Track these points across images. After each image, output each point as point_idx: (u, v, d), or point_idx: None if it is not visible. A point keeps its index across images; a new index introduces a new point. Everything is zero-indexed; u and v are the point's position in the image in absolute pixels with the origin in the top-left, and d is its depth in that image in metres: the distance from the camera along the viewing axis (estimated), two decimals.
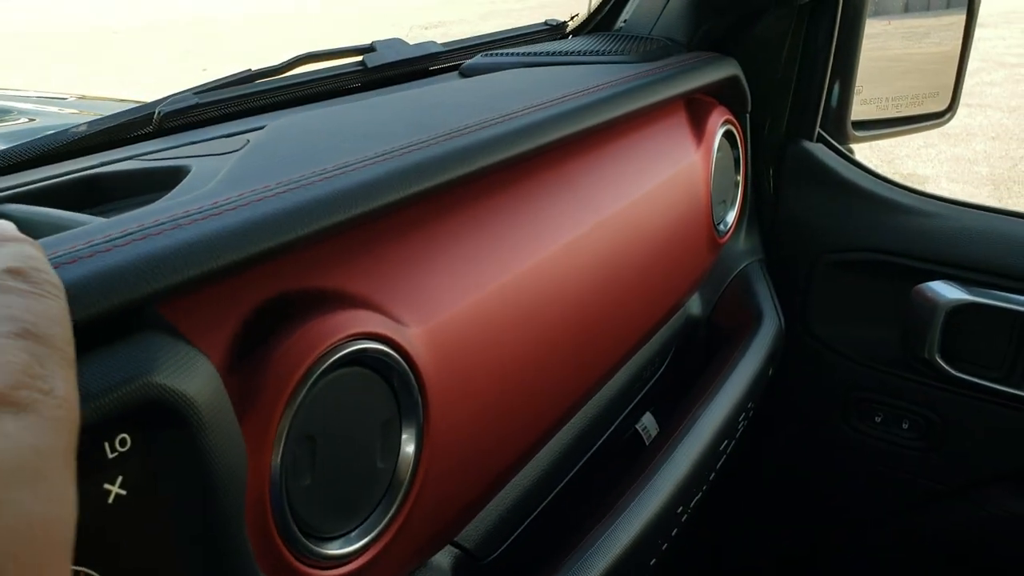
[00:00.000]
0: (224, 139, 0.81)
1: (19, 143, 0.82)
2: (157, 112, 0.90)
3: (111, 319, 0.42)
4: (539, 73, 1.06)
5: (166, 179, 0.67)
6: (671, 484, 0.94)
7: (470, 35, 1.31)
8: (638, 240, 0.95)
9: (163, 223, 0.49)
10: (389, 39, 1.16)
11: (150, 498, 0.44)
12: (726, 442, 1.09)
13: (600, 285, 0.87)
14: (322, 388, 0.54)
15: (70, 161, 0.80)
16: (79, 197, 0.70)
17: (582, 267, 0.84)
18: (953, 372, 1.24)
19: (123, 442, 0.42)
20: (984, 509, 1.30)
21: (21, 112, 1.85)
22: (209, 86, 0.98)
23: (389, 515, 0.60)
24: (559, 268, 0.80)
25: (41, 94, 2.27)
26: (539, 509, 0.93)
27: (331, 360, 0.54)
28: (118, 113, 0.89)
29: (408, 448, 0.61)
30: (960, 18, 1.42)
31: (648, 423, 1.17)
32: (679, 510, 0.96)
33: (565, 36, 1.38)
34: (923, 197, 1.29)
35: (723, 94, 1.22)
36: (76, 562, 0.41)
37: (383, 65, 1.12)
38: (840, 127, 1.37)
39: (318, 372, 0.53)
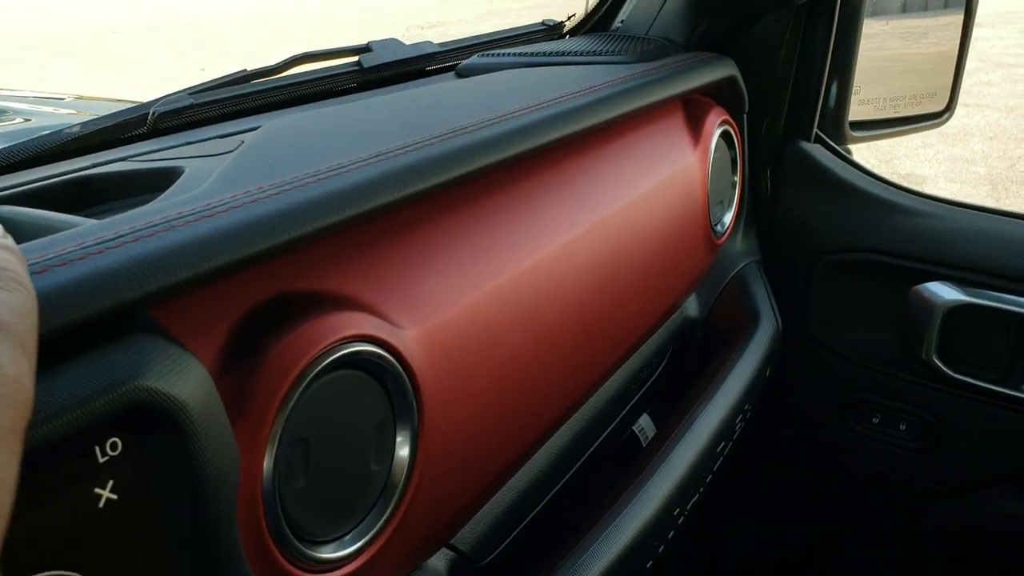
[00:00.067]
0: (219, 140, 0.80)
1: (12, 144, 0.81)
2: (152, 112, 0.90)
3: (102, 322, 0.42)
4: (536, 73, 1.06)
5: (159, 180, 0.67)
6: (668, 486, 0.93)
7: (468, 35, 1.30)
8: (635, 241, 0.95)
9: (155, 225, 0.48)
10: (385, 39, 1.16)
11: (141, 502, 0.44)
12: (723, 443, 1.09)
13: (597, 286, 0.87)
14: (315, 391, 0.54)
15: (63, 162, 0.80)
16: (72, 198, 0.69)
17: (579, 268, 0.84)
18: (950, 373, 1.24)
19: (114, 446, 0.42)
20: (981, 510, 1.30)
21: (17, 112, 1.84)
22: (204, 86, 0.97)
23: (383, 518, 0.60)
24: (556, 269, 0.80)
25: (38, 94, 2.26)
26: (535, 511, 0.93)
27: (325, 363, 0.54)
28: (112, 114, 0.89)
29: (403, 451, 0.61)
30: (958, 18, 1.41)
31: (645, 424, 1.16)
32: (676, 512, 0.96)
33: (562, 36, 1.38)
34: (921, 198, 1.29)
35: (720, 94, 1.21)
36: (66, 567, 0.41)
37: (379, 65, 1.11)
38: (838, 127, 1.36)
39: (311, 375, 0.53)
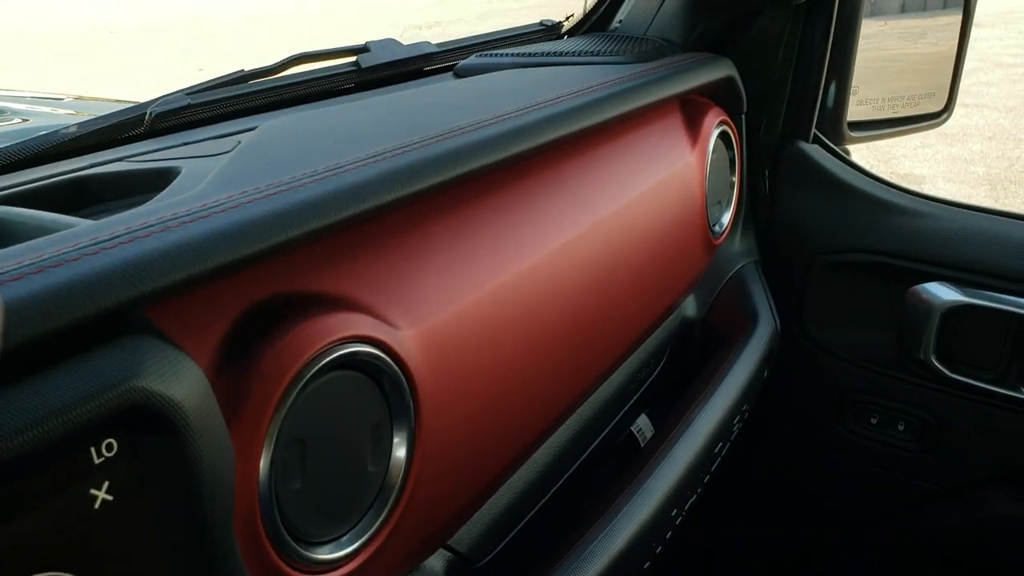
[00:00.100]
0: (216, 140, 0.80)
1: (9, 144, 0.81)
2: (149, 113, 0.90)
3: (97, 323, 0.42)
4: (534, 74, 1.06)
5: (156, 181, 0.67)
6: (666, 486, 0.93)
7: (466, 35, 1.30)
8: (633, 241, 0.95)
9: (151, 225, 0.48)
10: (383, 39, 1.16)
11: (137, 503, 0.44)
12: (721, 444, 1.09)
13: (595, 286, 0.87)
14: (312, 392, 0.54)
15: (60, 162, 0.80)
16: (68, 199, 0.69)
17: (577, 268, 0.83)
18: (948, 373, 1.24)
19: (109, 447, 0.42)
20: (979, 510, 1.30)
21: (15, 112, 1.84)
22: (202, 86, 0.97)
23: (380, 519, 0.60)
24: (554, 269, 0.80)
25: (37, 94, 2.26)
26: (533, 512, 0.93)
27: (321, 364, 0.54)
28: (110, 114, 0.89)
29: (399, 451, 0.61)
30: (956, 18, 1.41)
31: (643, 425, 1.16)
32: (674, 513, 0.95)
33: (560, 36, 1.38)
34: (919, 198, 1.29)
35: (718, 95, 1.21)
36: (62, 568, 0.41)
37: (377, 66, 1.11)
38: (836, 128, 1.36)
39: (308, 376, 0.53)
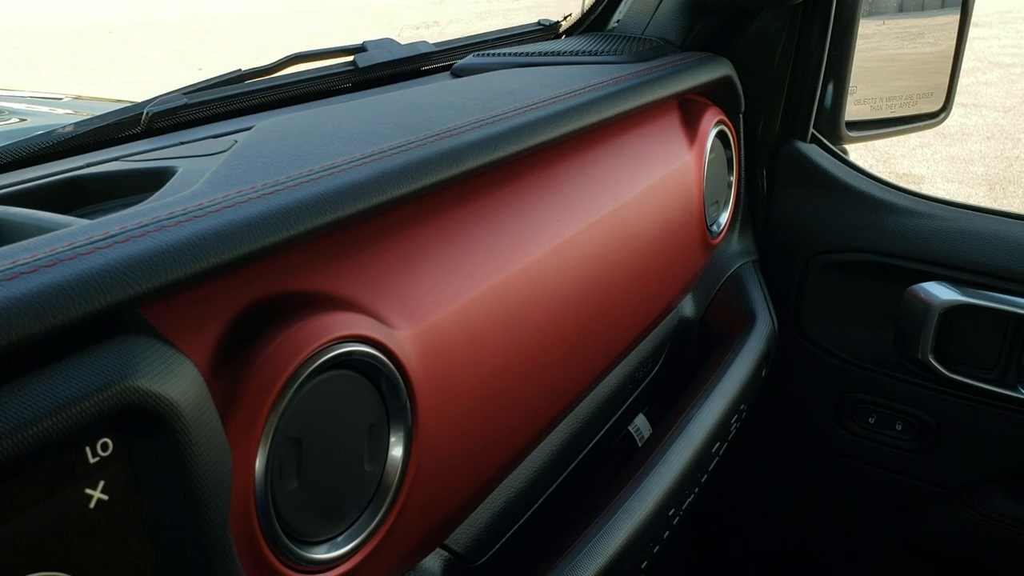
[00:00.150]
0: (212, 140, 0.80)
1: (6, 144, 0.81)
2: (145, 113, 0.90)
3: (93, 322, 0.42)
4: (531, 73, 1.06)
5: (152, 180, 0.67)
6: (663, 486, 0.93)
7: (463, 35, 1.30)
8: (630, 241, 0.95)
9: (146, 225, 0.48)
10: (380, 39, 1.16)
11: (132, 503, 0.44)
12: (719, 444, 1.09)
13: (592, 287, 0.87)
14: (308, 391, 0.54)
15: (57, 162, 0.80)
16: (64, 198, 0.69)
17: (574, 268, 0.83)
18: (947, 373, 1.24)
19: (105, 447, 0.42)
20: (976, 510, 1.30)
21: (13, 112, 1.84)
22: (198, 86, 0.97)
23: (377, 519, 0.60)
24: (551, 269, 0.80)
25: (36, 94, 2.26)
26: (530, 512, 0.93)
27: (317, 363, 0.54)
28: (106, 114, 0.88)
29: (396, 451, 0.61)
30: (954, 18, 1.41)
31: (641, 425, 1.16)
32: (671, 512, 0.95)
33: (558, 36, 1.37)
34: (916, 198, 1.29)
35: (716, 94, 1.21)
36: (56, 567, 0.41)
37: (374, 65, 1.11)
38: (834, 128, 1.36)
39: (304, 375, 0.53)
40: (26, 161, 0.81)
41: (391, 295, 0.63)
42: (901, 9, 1.48)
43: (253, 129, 0.76)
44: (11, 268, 0.41)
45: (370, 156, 0.63)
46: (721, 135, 1.19)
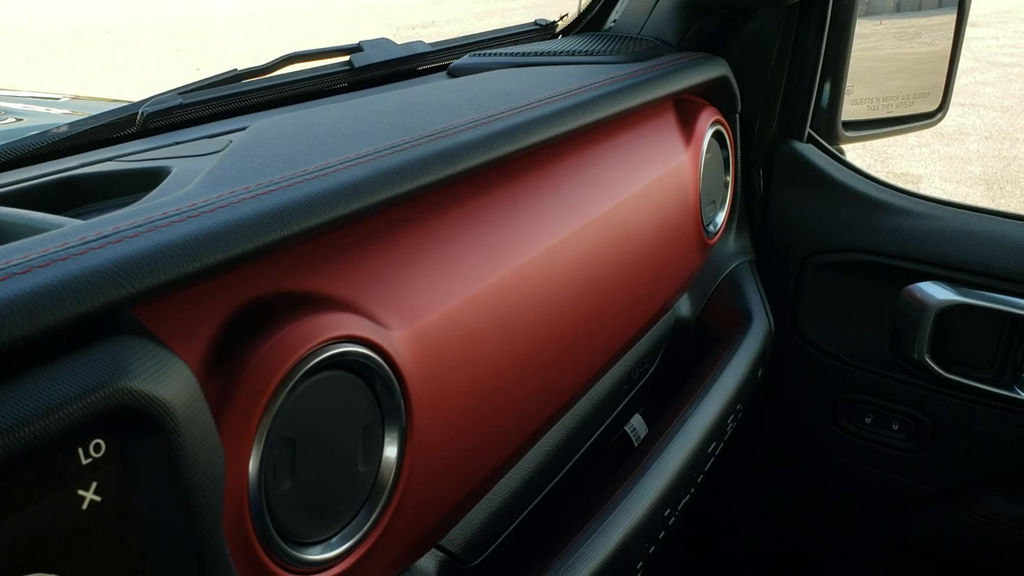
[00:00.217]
0: (207, 140, 0.80)
1: (0, 144, 0.81)
2: (140, 113, 0.90)
3: (85, 323, 0.42)
4: (527, 73, 1.06)
5: (146, 180, 0.67)
6: (659, 486, 0.93)
7: (460, 35, 1.30)
8: (626, 241, 0.95)
9: (139, 225, 0.48)
10: (376, 39, 1.16)
11: (125, 504, 0.44)
12: (715, 444, 1.09)
13: (588, 286, 0.87)
14: (302, 392, 0.54)
15: (51, 162, 0.79)
16: (58, 198, 0.69)
17: (570, 268, 0.83)
18: (943, 373, 1.24)
19: (97, 448, 0.42)
20: (972, 510, 1.30)
21: (9, 112, 1.84)
22: (194, 86, 0.97)
23: (371, 520, 0.60)
24: (547, 269, 0.80)
25: (33, 94, 2.26)
26: (526, 512, 0.93)
27: (311, 364, 0.54)
28: (101, 114, 0.88)
29: (390, 452, 0.61)
30: (951, 18, 1.42)
31: (637, 425, 1.16)
32: (667, 513, 0.95)
33: (554, 36, 1.37)
34: (913, 198, 1.29)
35: (712, 94, 1.21)
36: (48, 569, 0.41)
37: (370, 65, 1.11)
38: (831, 127, 1.36)
39: (298, 376, 0.53)
40: (21, 161, 0.81)
41: (386, 295, 0.63)
42: (898, 9, 1.48)
43: (248, 129, 0.76)
44: (4, 268, 0.41)
45: (365, 156, 0.63)
46: (717, 135, 1.19)
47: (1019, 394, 1.20)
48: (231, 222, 0.50)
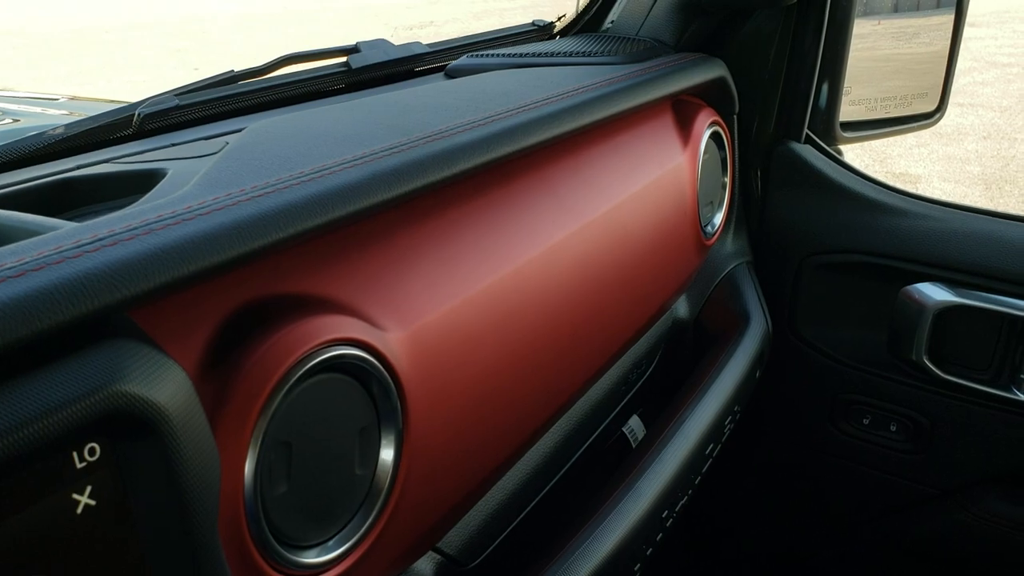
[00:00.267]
0: (203, 141, 0.80)
1: None
2: (137, 114, 0.89)
3: (80, 326, 0.41)
4: (525, 74, 1.06)
5: (142, 182, 0.67)
6: (657, 487, 0.93)
7: (459, 35, 1.30)
8: (624, 242, 0.95)
9: (134, 228, 0.48)
10: (374, 40, 1.16)
11: (120, 508, 0.43)
12: (712, 445, 1.09)
13: (586, 288, 0.87)
14: (298, 394, 0.54)
15: (47, 164, 0.79)
16: (54, 200, 0.69)
17: (567, 270, 0.83)
18: (941, 374, 1.24)
19: (92, 451, 0.42)
20: (970, 511, 1.30)
21: (6, 113, 1.83)
22: (191, 87, 0.97)
23: (368, 522, 0.60)
24: (544, 271, 0.80)
25: (31, 95, 2.26)
26: (523, 514, 0.93)
27: (307, 366, 0.53)
28: (97, 115, 0.88)
29: (387, 454, 0.61)
30: (949, 18, 1.41)
31: (635, 426, 1.16)
32: (664, 514, 0.95)
33: (552, 37, 1.37)
34: (911, 199, 1.29)
35: (710, 95, 1.21)
36: (43, 573, 0.40)
37: (367, 66, 1.11)
38: (828, 128, 1.36)
39: (294, 378, 0.53)
40: (17, 163, 0.80)
41: (382, 297, 0.62)
42: (896, 9, 1.48)
43: (244, 131, 0.76)
44: None
45: (361, 158, 0.63)
46: (715, 136, 1.19)
47: (1017, 395, 1.20)
48: (227, 225, 0.50)
